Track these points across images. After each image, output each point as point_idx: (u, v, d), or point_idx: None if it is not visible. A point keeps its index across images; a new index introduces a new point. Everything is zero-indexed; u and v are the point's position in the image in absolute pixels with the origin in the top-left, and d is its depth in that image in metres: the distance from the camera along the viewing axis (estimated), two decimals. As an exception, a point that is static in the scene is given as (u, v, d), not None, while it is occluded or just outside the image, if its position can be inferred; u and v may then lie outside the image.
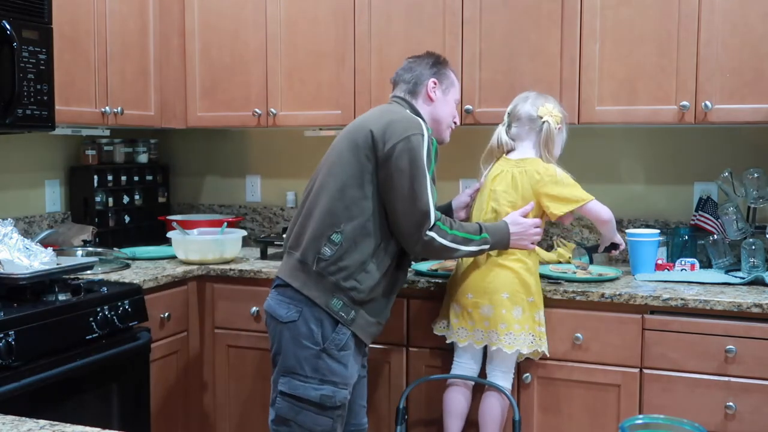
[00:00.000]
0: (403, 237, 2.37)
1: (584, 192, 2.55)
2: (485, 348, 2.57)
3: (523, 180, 2.54)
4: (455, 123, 2.62)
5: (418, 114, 2.48)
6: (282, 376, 2.35)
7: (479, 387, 2.64)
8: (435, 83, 2.52)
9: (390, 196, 2.33)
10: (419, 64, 2.55)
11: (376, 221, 2.34)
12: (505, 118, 2.69)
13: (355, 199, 2.32)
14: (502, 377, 2.57)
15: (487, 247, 2.44)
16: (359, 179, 2.33)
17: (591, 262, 2.92)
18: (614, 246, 2.69)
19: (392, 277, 2.43)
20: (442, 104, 2.54)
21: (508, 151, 2.65)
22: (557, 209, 2.52)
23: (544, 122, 2.59)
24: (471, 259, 2.55)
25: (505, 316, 2.47)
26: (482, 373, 2.63)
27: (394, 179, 2.31)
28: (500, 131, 2.67)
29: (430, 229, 2.33)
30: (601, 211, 2.58)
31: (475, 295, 2.51)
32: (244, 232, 3.31)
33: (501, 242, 2.47)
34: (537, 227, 2.53)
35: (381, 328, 2.48)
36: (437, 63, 2.57)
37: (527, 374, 2.67)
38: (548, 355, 2.57)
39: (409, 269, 2.94)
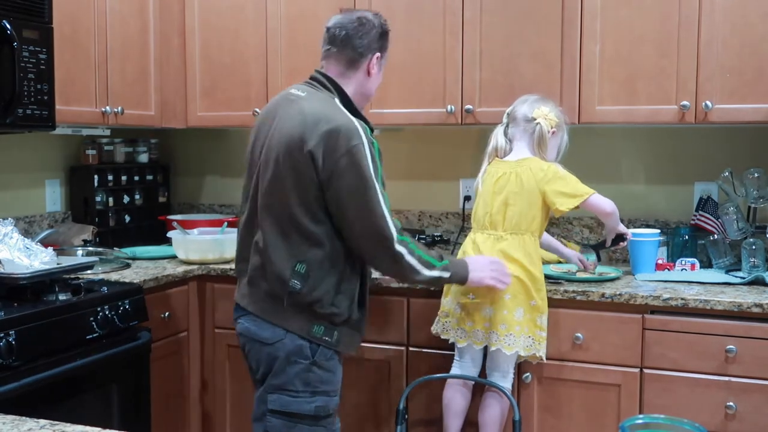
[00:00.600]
0: (368, 257, 2.26)
1: (585, 186, 2.56)
2: (485, 348, 2.57)
3: (528, 177, 2.53)
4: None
5: (344, 96, 2.28)
6: (270, 393, 2.27)
7: (479, 387, 2.64)
8: (378, 58, 2.33)
9: (343, 218, 2.17)
10: (368, 33, 2.30)
11: (337, 242, 2.20)
12: (504, 118, 2.70)
13: (310, 227, 2.17)
14: (502, 377, 2.57)
15: (447, 275, 2.32)
16: (308, 206, 2.16)
17: (599, 260, 2.89)
18: (621, 238, 2.69)
19: (362, 288, 2.32)
20: (375, 79, 2.36)
21: (504, 156, 2.64)
22: (563, 205, 2.52)
23: (536, 124, 2.59)
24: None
25: (506, 317, 2.47)
26: (482, 373, 2.63)
27: (343, 201, 2.15)
28: (499, 132, 2.67)
29: (400, 243, 2.19)
30: (603, 203, 2.57)
31: (477, 295, 2.51)
32: (244, 232, 3.31)
33: (459, 274, 2.36)
34: (497, 263, 2.44)
35: (362, 336, 2.39)
36: (386, 33, 2.35)
37: (527, 374, 2.67)
38: (545, 361, 2.57)
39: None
